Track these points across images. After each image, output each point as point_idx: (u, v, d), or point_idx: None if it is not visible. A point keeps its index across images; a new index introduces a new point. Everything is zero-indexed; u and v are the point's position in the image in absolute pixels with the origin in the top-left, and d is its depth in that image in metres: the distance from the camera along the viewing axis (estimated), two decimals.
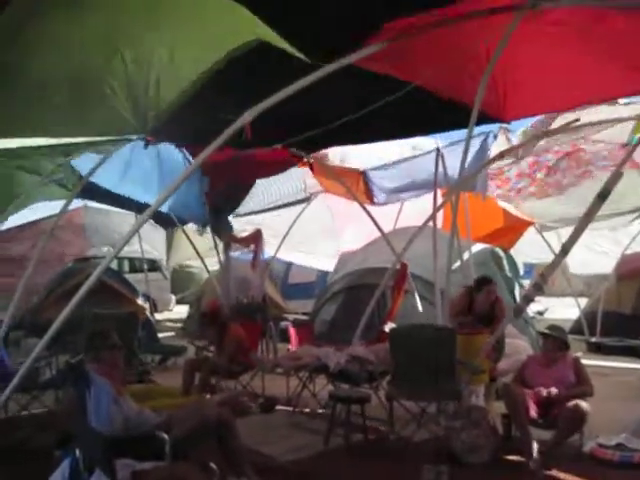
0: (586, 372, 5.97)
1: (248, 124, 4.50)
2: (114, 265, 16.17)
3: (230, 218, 11.42)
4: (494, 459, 5.50)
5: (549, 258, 9.65)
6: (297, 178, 10.07)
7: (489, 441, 5.56)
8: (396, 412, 6.24)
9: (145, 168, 9.13)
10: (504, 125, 7.65)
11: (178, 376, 7.72)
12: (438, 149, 8.54)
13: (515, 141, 8.33)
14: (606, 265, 13.92)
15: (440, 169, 8.53)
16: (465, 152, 6.52)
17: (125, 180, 9.49)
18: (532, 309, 14.02)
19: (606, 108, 6.83)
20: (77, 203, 13.01)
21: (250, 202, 10.99)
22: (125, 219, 13.28)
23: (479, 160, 8.06)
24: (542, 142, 8.26)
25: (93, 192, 9.51)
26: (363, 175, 9.24)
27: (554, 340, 6.04)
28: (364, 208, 9.12)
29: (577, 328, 12.90)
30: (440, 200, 8.76)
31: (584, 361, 6.37)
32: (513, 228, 12.54)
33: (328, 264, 13.69)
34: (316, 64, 4.31)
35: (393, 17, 4.16)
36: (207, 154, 4.72)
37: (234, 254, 12.04)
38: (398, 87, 5.30)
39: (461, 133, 7.90)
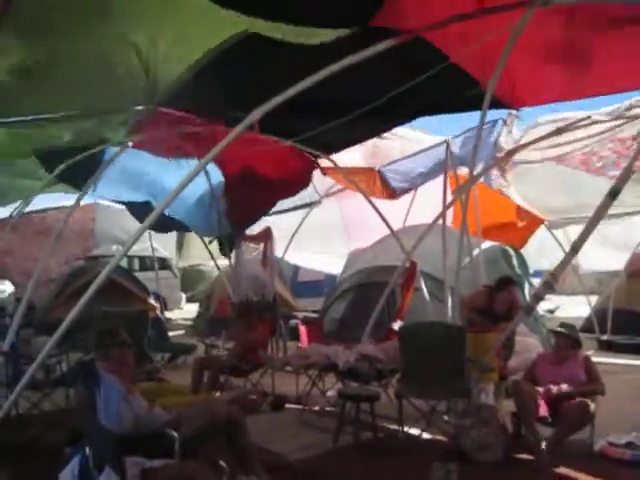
0: (597, 370, 5.94)
1: (257, 122, 4.52)
2: (124, 263, 16.22)
3: None
4: (503, 457, 5.48)
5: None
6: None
7: (499, 439, 5.55)
8: (405, 410, 6.22)
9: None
10: (513, 112, 7.60)
11: (188, 374, 7.74)
12: (447, 144, 8.52)
13: (517, 132, 8.29)
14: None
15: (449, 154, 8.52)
16: (475, 146, 6.52)
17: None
18: (542, 307, 13.96)
19: None
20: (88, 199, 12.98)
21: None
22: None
23: (489, 148, 8.04)
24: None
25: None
26: (379, 173, 9.20)
27: (566, 338, 6.02)
28: (373, 206, 9.09)
29: (588, 326, 12.85)
30: (450, 198, 8.74)
31: (595, 359, 6.35)
32: (524, 226, 12.48)
33: (337, 265, 13.68)
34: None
35: None
36: (215, 154, 4.73)
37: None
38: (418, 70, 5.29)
39: (466, 123, 7.93)
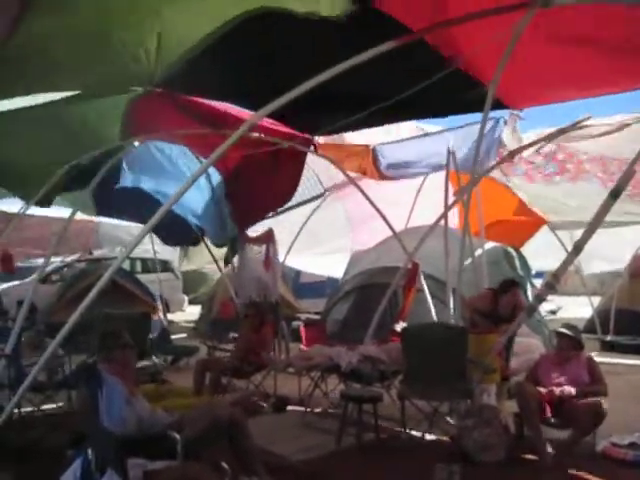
0: (600, 371, 5.94)
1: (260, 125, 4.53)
2: (126, 266, 16.23)
3: None
4: (506, 458, 5.48)
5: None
6: (310, 175, 10.08)
7: (501, 440, 5.55)
8: (408, 411, 6.23)
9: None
10: (515, 112, 7.59)
11: (191, 376, 7.75)
12: (449, 150, 8.49)
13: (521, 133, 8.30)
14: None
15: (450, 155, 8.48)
16: (477, 148, 6.51)
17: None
18: (545, 308, 13.97)
19: None
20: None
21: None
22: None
23: (488, 146, 8.03)
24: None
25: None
26: (372, 151, 9.12)
27: (569, 339, 6.01)
28: (376, 208, 9.09)
29: (590, 327, 12.85)
30: (451, 199, 8.73)
31: (597, 360, 6.34)
32: (525, 225, 12.48)
33: (338, 268, 13.67)
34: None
35: None
36: (217, 155, 4.74)
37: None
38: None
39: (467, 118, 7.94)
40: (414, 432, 6.24)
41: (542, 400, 5.68)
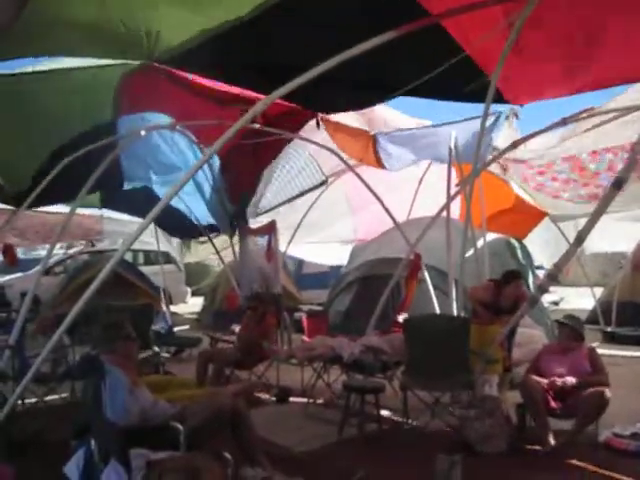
0: (601, 362, 5.95)
1: (260, 114, 4.51)
2: (129, 258, 16.25)
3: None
4: (508, 448, 5.50)
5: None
6: (310, 162, 10.07)
7: (503, 430, 5.56)
8: (410, 402, 6.24)
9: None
10: (515, 108, 7.58)
11: (193, 367, 7.77)
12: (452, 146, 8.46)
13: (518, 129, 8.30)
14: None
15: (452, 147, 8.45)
16: (481, 130, 6.51)
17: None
18: (547, 299, 13.97)
19: None
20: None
21: (273, 200, 11.10)
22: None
23: (489, 140, 8.01)
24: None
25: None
26: (373, 139, 9.07)
27: (570, 329, 6.02)
28: (378, 198, 9.08)
29: (592, 318, 12.88)
30: (454, 190, 8.71)
31: (599, 351, 6.34)
32: (527, 217, 12.47)
33: (341, 256, 13.66)
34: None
35: None
36: (220, 145, 4.72)
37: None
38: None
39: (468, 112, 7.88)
40: (416, 423, 6.25)
41: (546, 391, 5.69)
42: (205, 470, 3.78)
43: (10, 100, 6.42)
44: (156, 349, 8.31)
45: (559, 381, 5.69)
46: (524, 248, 10.92)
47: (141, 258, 18.13)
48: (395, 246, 9.68)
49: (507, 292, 7.02)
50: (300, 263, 17.99)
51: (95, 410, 3.89)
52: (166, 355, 9.84)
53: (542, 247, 13.83)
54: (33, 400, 6.85)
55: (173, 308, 15.44)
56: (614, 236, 13.95)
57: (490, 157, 8.47)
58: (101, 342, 4.51)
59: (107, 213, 13.13)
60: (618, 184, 5.34)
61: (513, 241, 10.73)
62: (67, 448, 4.01)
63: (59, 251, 17.60)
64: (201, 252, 18.32)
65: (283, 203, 11.39)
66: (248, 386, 7.68)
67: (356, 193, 11.25)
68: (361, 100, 7.14)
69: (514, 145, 8.13)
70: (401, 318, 7.64)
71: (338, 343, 7.27)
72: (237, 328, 8.80)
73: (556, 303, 16.52)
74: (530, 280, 10.21)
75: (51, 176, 7.05)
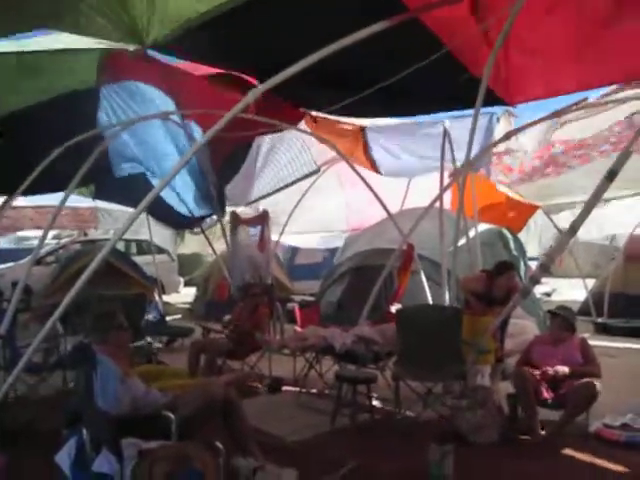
0: (593, 353, 5.97)
1: (253, 103, 4.48)
2: (121, 247, 16.19)
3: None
4: (499, 439, 5.52)
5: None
6: (304, 150, 10.02)
7: (494, 421, 5.58)
8: (402, 392, 6.24)
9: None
10: (509, 108, 7.58)
11: (185, 357, 7.76)
12: (445, 129, 8.45)
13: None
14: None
15: (446, 145, 8.45)
16: (472, 130, 6.48)
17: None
18: (539, 290, 14.02)
19: None
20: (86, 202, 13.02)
21: (264, 189, 11.06)
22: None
23: (485, 140, 8.01)
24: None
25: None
26: (363, 138, 9.06)
27: (562, 320, 6.03)
28: (371, 189, 9.05)
29: (584, 309, 12.93)
30: (447, 181, 8.71)
31: (591, 342, 6.36)
32: (519, 212, 12.48)
33: (336, 239, 13.61)
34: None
35: None
36: (215, 131, 4.70)
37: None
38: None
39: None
40: (408, 413, 6.26)
41: (538, 382, 5.71)
42: (197, 459, 3.77)
43: None
44: (148, 339, 8.31)
45: (551, 370, 5.71)
46: (517, 239, 10.94)
47: (134, 248, 18.08)
48: (388, 237, 9.68)
49: (500, 283, 7.01)
50: (293, 254, 17.98)
51: (87, 399, 3.88)
52: (158, 345, 9.81)
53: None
54: (24, 390, 6.83)
55: (166, 298, 15.42)
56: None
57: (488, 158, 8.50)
58: (93, 332, 4.50)
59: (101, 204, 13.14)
60: (611, 176, 5.35)
61: (505, 231, 10.73)
62: (59, 437, 4.01)
63: (51, 241, 17.53)
64: (192, 244, 18.29)
65: (275, 191, 11.33)
66: (240, 376, 7.68)
67: (348, 180, 11.22)
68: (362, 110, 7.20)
69: (507, 136, 8.13)
70: (394, 309, 7.64)
71: (330, 333, 7.26)
72: (227, 318, 8.76)
73: (548, 294, 16.57)
74: (522, 271, 10.22)
75: (41, 167, 6.97)
